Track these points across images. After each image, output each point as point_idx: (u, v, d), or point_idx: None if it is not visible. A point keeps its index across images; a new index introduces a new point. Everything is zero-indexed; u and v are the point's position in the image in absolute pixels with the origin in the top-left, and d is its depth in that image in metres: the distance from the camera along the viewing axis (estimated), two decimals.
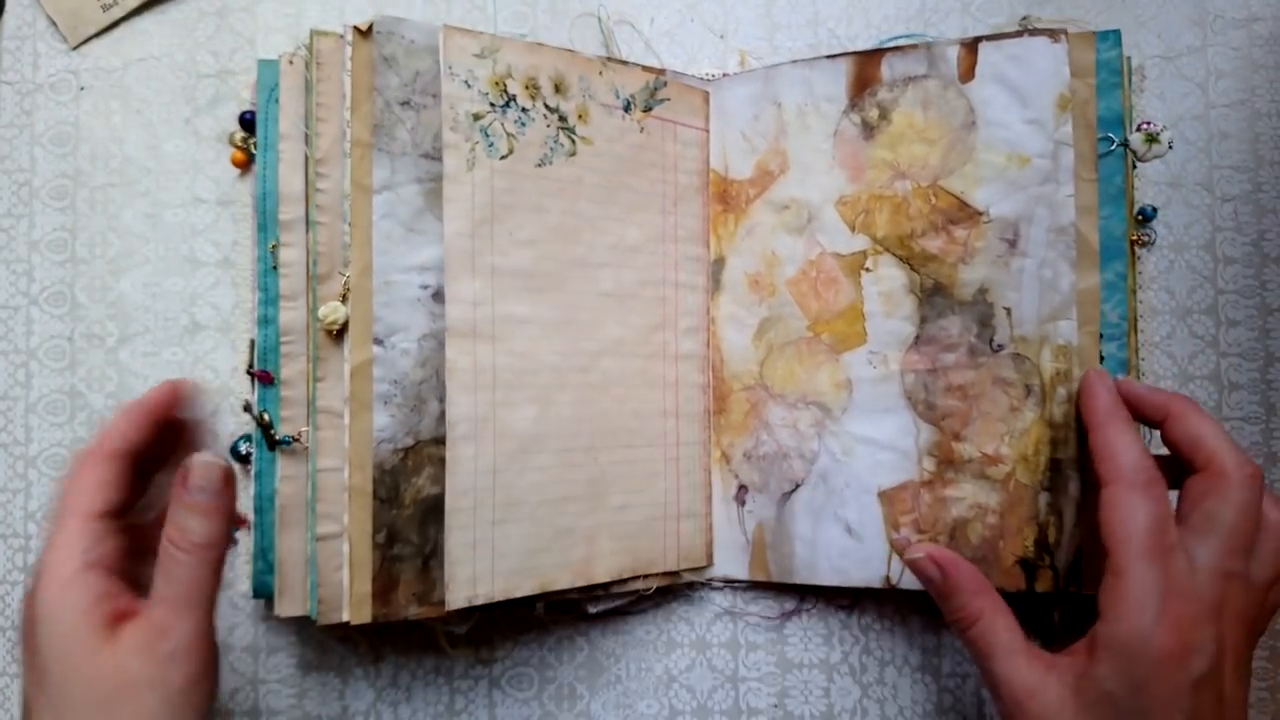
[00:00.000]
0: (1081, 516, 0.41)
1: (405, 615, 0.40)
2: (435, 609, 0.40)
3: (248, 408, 0.45)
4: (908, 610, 0.45)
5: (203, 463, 0.36)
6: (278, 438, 0.43)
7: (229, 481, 0.37)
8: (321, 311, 0.41)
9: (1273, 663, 0.44)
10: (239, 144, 0.46)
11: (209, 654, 0.35)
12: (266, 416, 0.44)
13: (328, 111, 0.42)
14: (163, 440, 0.38)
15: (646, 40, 0.47)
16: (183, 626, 0.34)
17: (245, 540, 0.45)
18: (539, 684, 0.46)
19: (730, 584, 0.46)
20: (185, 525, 0.35)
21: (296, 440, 0.43)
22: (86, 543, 0.34)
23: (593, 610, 0.44)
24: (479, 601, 0.40)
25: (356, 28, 0.41)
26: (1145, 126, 0.44)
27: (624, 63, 0.44)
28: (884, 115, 0.43)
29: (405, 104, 0.41)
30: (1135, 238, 0.44)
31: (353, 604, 0.39)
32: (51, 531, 0.35)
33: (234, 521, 0.38)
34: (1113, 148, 0.42)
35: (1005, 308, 0.42)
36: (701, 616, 0.46)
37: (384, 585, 0.40)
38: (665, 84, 0.45)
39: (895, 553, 0.43)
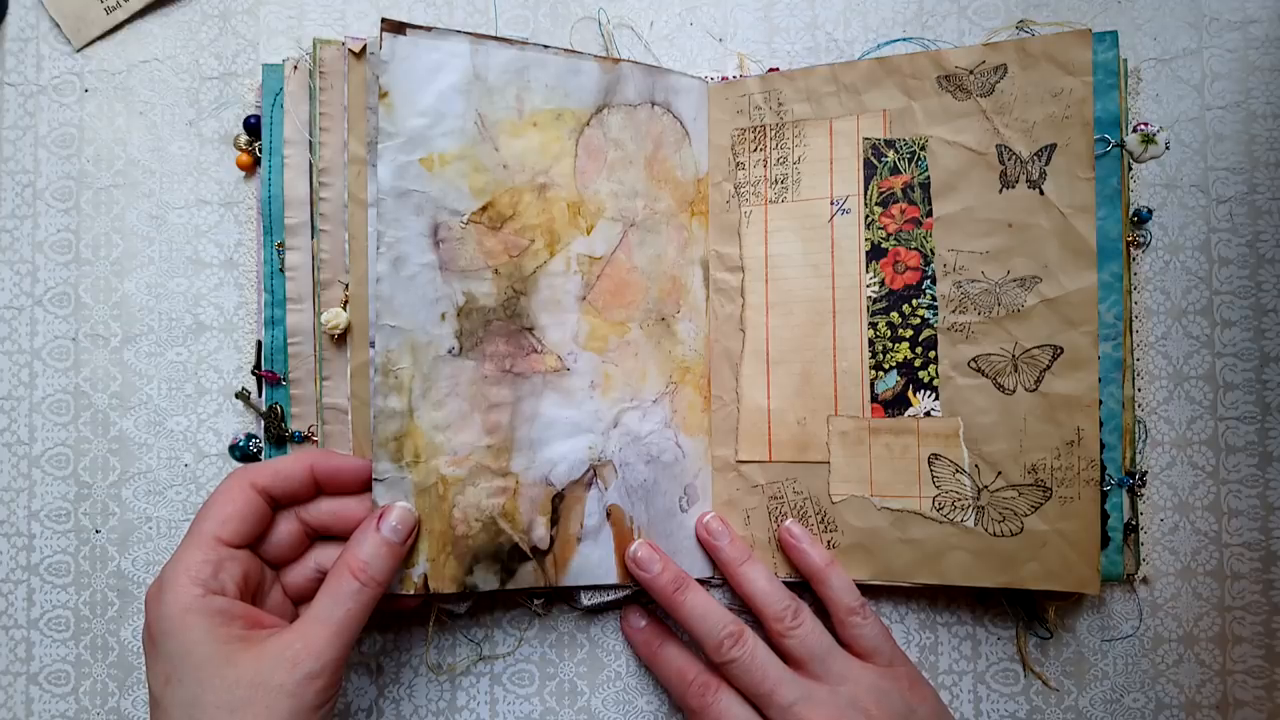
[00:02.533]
0: None
1: (402, 591, 0.40)
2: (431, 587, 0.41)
3: (244, 395, 0.45)
4: (905, 608, 0.46)
5: (403, 508, 0.39)
6: (289, 433, 0.44)
7: (414, 533, 0.39)
8: (325, 317, 0.42)
9: (1269, 661, 0.44)
10: (243, 147, 0.46)
11: (340, 680, 0.37)
12: (279, 408, 0.44)
13: (331, 121, 0.43)
14: (310, 496, 0.40)
15: (646, 44, 0.48)
16: (331, 651, 0.35)
17: None
18: (540, 680, 0.46)
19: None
20: (370, 558, 0.37)
21: (308, 436, 0.44)
22: (210, 570, 0.36)
23: (587, 602, 0.45)
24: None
25: (351, 50, 0.41)
26: (1141, 128, 0.44)
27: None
28: None
29: None
30: (1131, 238, 0.44)
31: None
32: (181, 546, 0.37)
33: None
34: (1109, 149, 0.43)
35: None
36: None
37: None
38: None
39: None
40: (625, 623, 0.46)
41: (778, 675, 0.41)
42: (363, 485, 0.40)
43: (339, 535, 0.40)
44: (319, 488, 0.40)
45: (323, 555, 0.41)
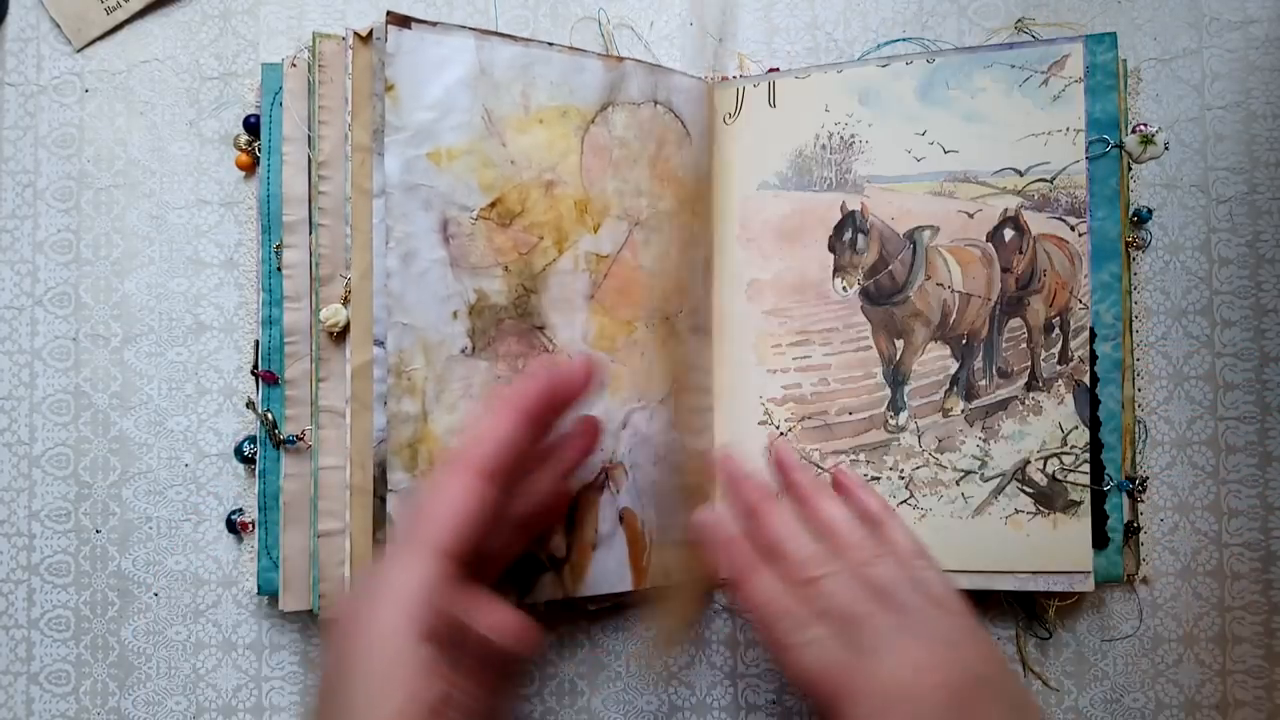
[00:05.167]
0: None
1: None
2: None
3: (251, 405, 0.45)
4: None
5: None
6: (282, 437, 0.44)
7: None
8: (323, 314, 0.42)
9: (1269, 661, 0.44)
10: (243, 147, 0.46)
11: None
12: (271, 415, 0.44)
13: (330, 114, 0.43)
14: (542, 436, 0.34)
15: (646, 44, 0.48)
16: None
17: (250, 538, 0.46)
18: (540, 680, 0.46)
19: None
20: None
21: (300, 439, 0.44)
22: (430, 606, 0.29)
23: (593, 607, 0.45)
24: None
25: (356, 33, 0.41)
26: (1140, 129, 0.44)
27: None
28: None
29: None
30: (1130, 239, 0.44)
31: None
32: (395, 560, 0.31)
33: None
34: (1107, 149, 0.43)
35: None
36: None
37: None
38: None
39: None
40: (710, 526, 0.39)
41: (869, 597, 0.36)
42: (590, 383, 0.36)
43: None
44: (549, 420, 0.34)
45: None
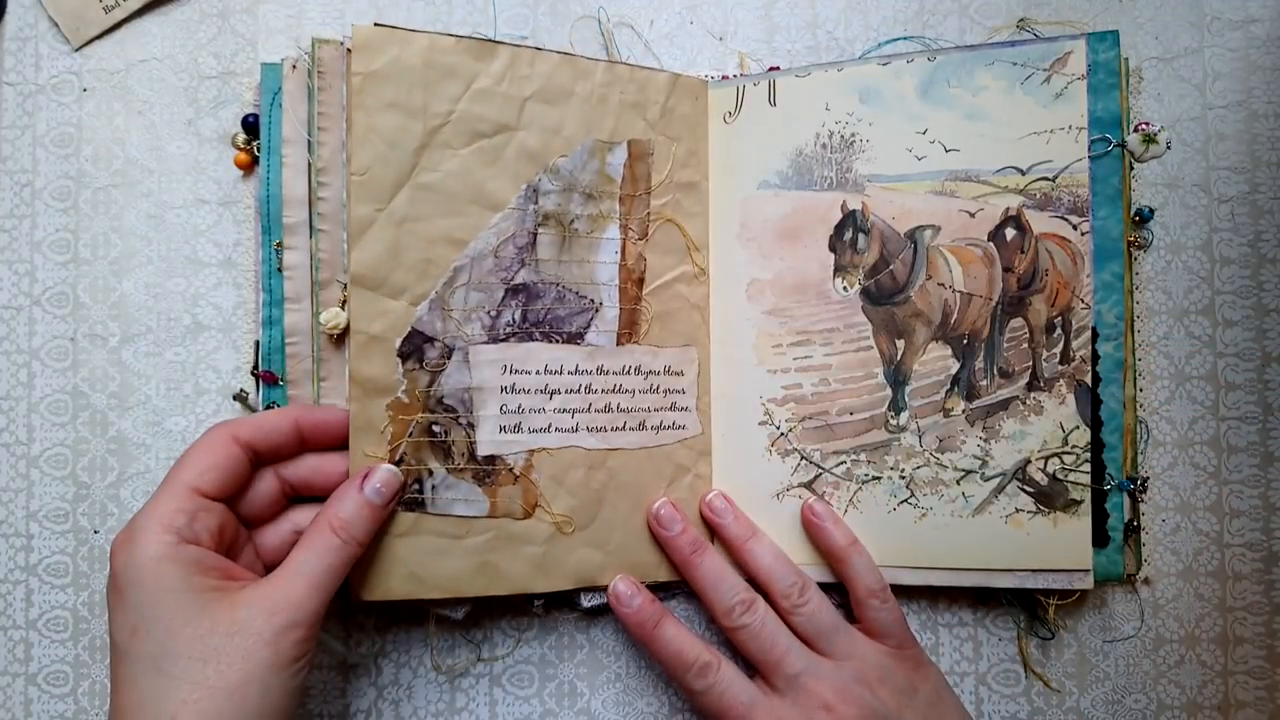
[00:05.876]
0: None
1: (396, 597, 0.41)
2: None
3: (238, 397, 0.45)
4: (906, 608, 0.46)
5: (388, 470, 0.39)
6: None
7: (397, 497, 0.39)
8: (323, 317, 0.42)
9: (1270, 662, 0.44)
10: (242, 146, 0.46)
11: (315, 639, 0.36)
12: (276, 408, 0.44)
13: (329, 120, 0.43)
14: (293, 451, 0.40)
15: (646, 43, 0.48)
16: (310, 603, 0.35)
17: None
18: (540, 681, 0.46)
19: None
20: (350, 517, 0.37)
21: None
22: (184, 518, 0.35)
23: (586, 604, 0.44)
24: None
25: (349, 48, 0.41)
26: (1143, 127, 0.44)
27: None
28: None
29: None
30: (1132, 239, 0.44)
31: (352, 587, 0.40)
32: (155, 495, 0.36)
33: None
34: (1109, 149, 0.43)
35: None
36: (700, 614, 0.46)
37: None
38: None
39: None
40: (616, 600, 0.43)
41: (786, 644, 0.41)
42: (347, 438, 0.40)
43: (319, 494, 0.40)
44: (303, 443, 0.40)
45: (300, 516, 0.40)
